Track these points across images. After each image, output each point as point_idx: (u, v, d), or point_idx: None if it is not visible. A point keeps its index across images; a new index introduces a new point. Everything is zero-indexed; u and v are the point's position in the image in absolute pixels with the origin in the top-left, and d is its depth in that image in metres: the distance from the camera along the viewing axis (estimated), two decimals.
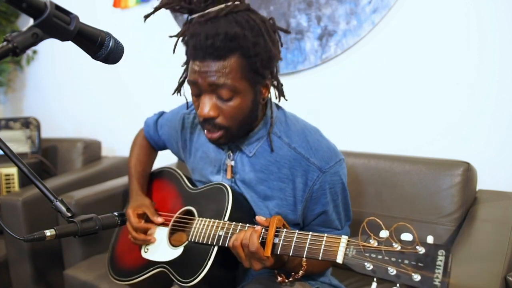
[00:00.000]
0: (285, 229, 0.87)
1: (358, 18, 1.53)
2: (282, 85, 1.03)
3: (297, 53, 1.66)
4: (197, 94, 0.94)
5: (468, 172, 1.26)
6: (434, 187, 1.28)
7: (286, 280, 0.92)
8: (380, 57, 1.55)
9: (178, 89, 1.09)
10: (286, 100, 1.06)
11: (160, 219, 1.13)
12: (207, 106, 0.92)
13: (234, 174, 1.06)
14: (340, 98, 1.65)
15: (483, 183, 1.37)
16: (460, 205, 1.25)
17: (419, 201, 1.29)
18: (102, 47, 0.69)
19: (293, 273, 0.92)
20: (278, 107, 1.08)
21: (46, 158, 2.15)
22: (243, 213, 1.03)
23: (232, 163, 1.06)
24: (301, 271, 0.91)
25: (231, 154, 1.06)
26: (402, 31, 1.49)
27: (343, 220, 1.06)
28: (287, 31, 1.04)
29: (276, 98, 1.05)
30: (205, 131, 0.98)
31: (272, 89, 1.03)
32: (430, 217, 1.27)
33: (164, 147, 1.35)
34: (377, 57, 1.55)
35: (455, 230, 1.23)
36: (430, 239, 0.68)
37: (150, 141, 1.35)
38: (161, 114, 1.35)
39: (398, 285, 0.67)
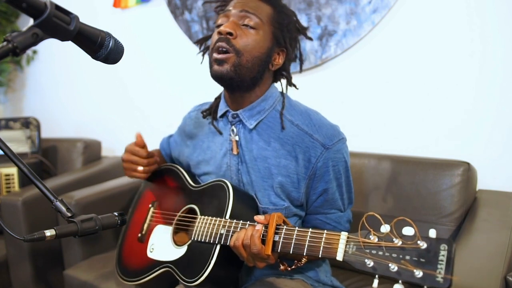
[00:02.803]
0: (285, 226, 0.86)
1: (358, 18, 1.53)
2: (291, 77, 1.12)
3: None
4: (221, 25, 1.01)
5: (468, 172, 1.26)
6: (434, 187, 1.28)
7: (289, 268, 0.91)
8: (380, 57, 1.55)
9: (200, 42, 1.17)
10: (297, 89, 1.13)
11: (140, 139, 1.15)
12: (230, 24, 0.98)
13: (239, 150, 1.07)
14: (340, 98, 1.65)
15: (483, 183, 1.37)
16: (460, 205, 1.25)
17: (419, 201, 1.29)
18: (102, 47, 0.69)
19: (295, 261, 0.92)
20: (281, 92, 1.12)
21: (46, 158, 2.15)
22: (245, 208, 1.03)
23: (237, 138, 1.07)
24: (304, 259, 0.91)
25: (234, 129, 1.07)
26: (402, 31, 1.49)
27: (346, 201, 1.06)
28: (309, 38, 1.14)
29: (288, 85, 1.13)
30: (215, 54, 0.98)
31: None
32: (430, 217, 1.27)
33: (171, 158, 1.37)
34: (377, 57, 1.55)
35: (455, 230, 1.23)
36: (432, 233, 0.66)
37: (162, 152, 1.40)
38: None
39: (400, 281, 0.66)
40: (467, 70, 1.40)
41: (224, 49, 0.97)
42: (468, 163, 1.27)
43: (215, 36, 1.00)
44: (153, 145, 1.38)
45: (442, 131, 1.46)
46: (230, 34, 0.97)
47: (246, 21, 0.98)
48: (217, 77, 0.99)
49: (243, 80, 0.99)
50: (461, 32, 1.39)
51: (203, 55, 1.17)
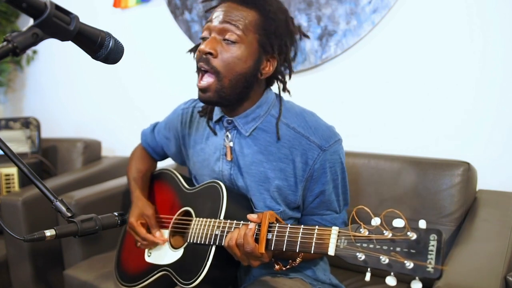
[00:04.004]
0: (277, 224, 0.86)
1: (358, 18, 1.53)
2: (286, 82, 1.09)
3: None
4: (205, 38, 0.98)
5: (468, 172, 1.26)
6: (434, 187, 1.28)
7: (284, 268, 0.91)
8: (380, 57, 1.55)
9: (192, 50, 1.13)
10: (290, 95, 1.10)
11: (157, 234, 1.13)
12: (211, 43, 0.95)
13: (233, 156, 1.06)
14: (340, 98, 1.65)
15: (483, 183, 1.37)
16: (460, 205, 1.25)
17: (419, 201, 1.29)
18: (102, 47, 0.69)
19: (290, 261, 0.92)
20: (276, 94, 1.10)
21: (46, 158, 2.15)
22: (239, 208, 1.03)
23: (231, 144, 1.06)
24: (298, 259, 0.91)
25: (229, 135, 1.06)
26: (402, 31, 1.49)
27: (341, 202, 1.06)
28: (306, 35, 1.11)
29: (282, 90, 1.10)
30: (198, 78, 0.98)
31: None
32: (430, 217, 1.27)
33: (163, 154, 1.35)
34: (377, 57, 1.55)
35: (455, 230, 1.23)
36: (422, 224, 0.67)
37: (148, 150, 1.36)
38: (156, 124, 1.36)
39: (392, 273, 0.66)
40: (467, 70, 1.40)
41: (204, 69, 0.96)
42: (468, 163, 1.27)
43: (198, 53, 0.98)
44: None
45: (442, 131, 1.46)
46: (210, 53, 0.95)
47: (227, 35, 0.94)
48: (203, 102, 1.01)
49: (229, 100, 0.99)
50: (461, 32, 1.39)
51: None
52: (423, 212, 1.28)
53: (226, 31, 0.95)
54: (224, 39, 0.95)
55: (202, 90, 0.98)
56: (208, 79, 0.96)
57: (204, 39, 0.99)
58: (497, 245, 1.01)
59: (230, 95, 0.98)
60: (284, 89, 1.09)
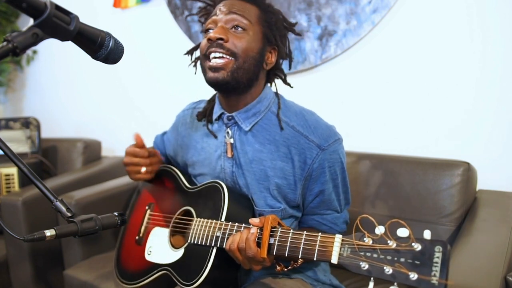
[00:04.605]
0: (280, 228, 0.85)
1: (358, 18, 1.53)
2: (286, 75, 1.11)
3: (297, 53, 1.66)
4: (209, 29, 1.00)
5: (468, 172, 1.26)
6: (434, 187, 1.28)
7: (285, 269, 0.91)
8: (380, 57, 1.55)
9: (190, 52, 1.15)
10: (292, 87, 1.11)
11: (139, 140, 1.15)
12: (219, 30, 0.96)
13: (234, 153, 1.06)
14: (340, 98, 1.65)
15: (483, 183, 1.37)
16: (460, 205, 1.25)
17: (419, 201, 1.29)
18: (102, 47, 0.69)
19: (292, 262, 0.91)
20: (275, 92, 1.10)
21: (46, 158, 2.15)
22: (241, 209, 1.02)
23: (231, 140, 1.06)
24: (300, 260, 0.90)
25: (229, 132, 1.06)
26: (402, 31, 1.49)
27: (342, 202, 1.06)
28: (298, 34, 1.14)
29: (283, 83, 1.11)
30: (209, 61, 0.97)
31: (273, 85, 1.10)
32: (430, 217, 1.27)
33: (166, 156, 1.36)
34: (377, 57, 1.55)
35: (455, 230, 1.23)
36: (427, 234, 0.66)
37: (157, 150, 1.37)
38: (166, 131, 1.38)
39: (395, 284, 0.65)
40: (467, 70, 1.40)
41: (219, 55, 0.95)
42: (468, 163, 1.27)
43: (205, 43, 0.98)
44: (152, 145, 1.38)
45: (442, 131, 1.46)
46: (221, 39, 0.95)
47: (236, 23, 0.97)
48: (212, 83, 0.99)
49: (239, 83, 0.98)
50: (461, 32, 1.39)
51: (195, 65, 1.15)
52: (423, 212, 1.28)
53: (234, 20, 0.97)
54: (234, 26, 0.97)
55: (215, 69, 0.96)
56: (224, 60, 0.96)
57: (208, 32, 1.00)
58: (497, 245, 1.01)
59: (242, 78, 0.97)
60: (285, 82, 1.11)
